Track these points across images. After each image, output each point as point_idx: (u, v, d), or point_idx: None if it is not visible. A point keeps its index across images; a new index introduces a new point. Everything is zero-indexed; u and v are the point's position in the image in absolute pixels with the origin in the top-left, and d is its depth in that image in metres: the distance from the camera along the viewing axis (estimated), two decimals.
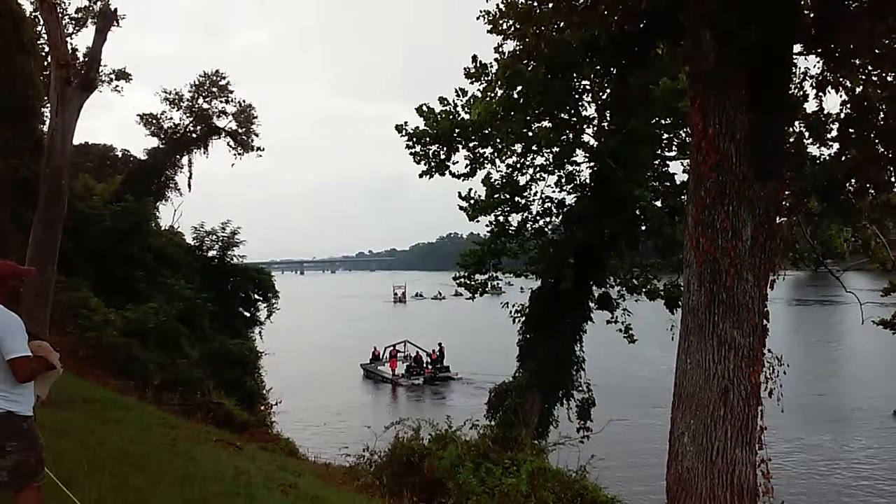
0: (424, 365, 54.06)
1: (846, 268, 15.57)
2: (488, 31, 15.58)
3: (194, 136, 37.44)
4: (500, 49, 17.55)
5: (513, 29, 14.31)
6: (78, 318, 21.17)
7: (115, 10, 18.46)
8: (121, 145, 62.58)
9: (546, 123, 19.24)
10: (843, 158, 7.65)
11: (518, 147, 19.76)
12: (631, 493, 19.72)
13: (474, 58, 18.53)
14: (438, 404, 45.65)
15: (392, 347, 56.61)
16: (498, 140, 19.39)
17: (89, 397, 14.36)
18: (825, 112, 7.80)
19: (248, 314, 31.79)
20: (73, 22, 26.05)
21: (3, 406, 5.05)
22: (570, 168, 20.52)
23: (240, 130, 37.65)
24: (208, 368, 23.58)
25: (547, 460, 16.29)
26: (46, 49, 21.25)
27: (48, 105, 19.16)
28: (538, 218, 21.18)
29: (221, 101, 37.32)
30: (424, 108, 19.76)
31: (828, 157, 8.05)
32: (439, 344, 55.91)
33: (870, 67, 7.10)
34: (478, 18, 15.87)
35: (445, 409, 39.75)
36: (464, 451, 15.03)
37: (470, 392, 45.98)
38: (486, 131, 19.16)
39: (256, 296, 32.02)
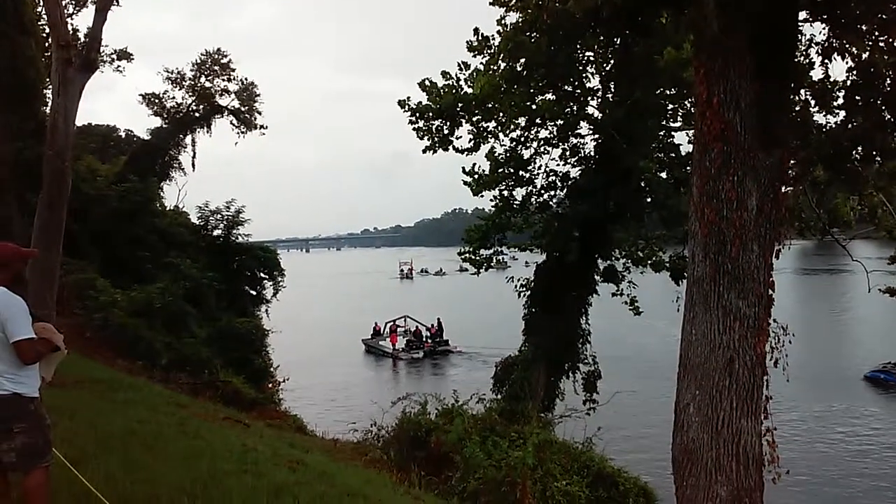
0: (424, 339, 55.19)
1: (852, 236, 15.52)
2: (490, 3, 15.44)
3: (197, 115, 37.29)
4: (503, 21, 17.40)
5: (515, 0, 14.15)
6: (85, 299, 21.26)
7: None
8: (124, 126, 62.58)
9: (550, 96, 19.15)
10: (850, 126, 7.55)
11: (522, 120, 19.68)
12: (637, 463, 19.79)
13: (476, 30, 18.40)
14: (438, 377, 46.60)
15: (392, 322, 57.59)
16: (501, 113, 19.29)
17: (97, 378, 14.45)
18: (831, 79, 7.71)
19: (254, 293, 31.81)
20: (74, 2, 25.92)
21: (10, 388, 5.08)
22: (575, 141, 20.48)
23: (242, 109, 37.48)
24: (215, 347, 23.68)
25: (553, 433, 16.42)
26: (47, 30, 21.14)
27: (50, 87, 19.09)
28: (543, 192, 21.16)
29: (224, 80, 37.13)
30: (427, 82, 19.61)
31: (834, 125, 7.95)
32: (438, 319, 56.78)
33: (876, 33, 6.99)
34: None
35: (445, 381, 41.72)
36: (470, 424, 15.13)
37: (469, 364, 47.50)
38: (490, 105, 19.05)
39: (262, 274, 32.00)
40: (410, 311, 60.43)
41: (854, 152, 7.74)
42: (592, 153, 20.53)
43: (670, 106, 19.23)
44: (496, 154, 20.43)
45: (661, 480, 13.30)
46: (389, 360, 53.60)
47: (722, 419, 6.44)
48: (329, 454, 14.42)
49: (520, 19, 15.88)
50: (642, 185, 20.15)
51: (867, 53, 7.12)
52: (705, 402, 6.52)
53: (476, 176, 20.77)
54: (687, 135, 18.87)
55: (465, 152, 20.27)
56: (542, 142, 20.42)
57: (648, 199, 20.67)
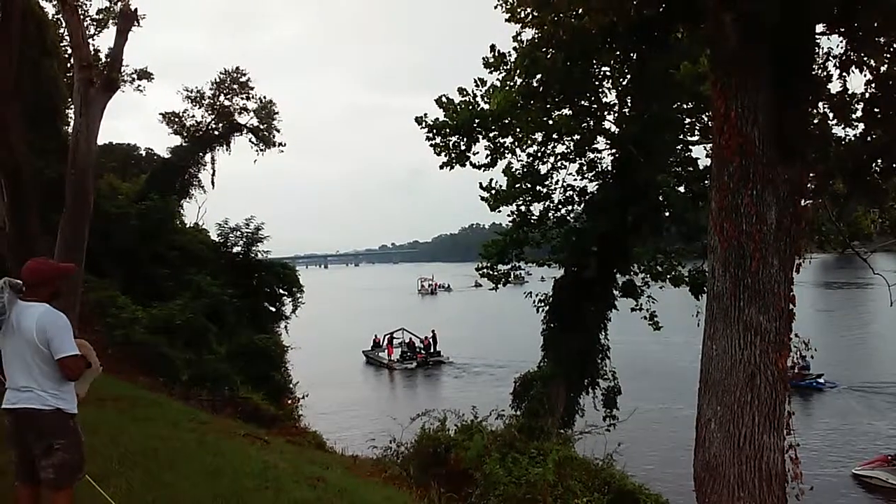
0: (417, 350, 58.08)
1: (874, 249, 15.33)
2: (506, 20, 15.51)
3: (216, 133, 37.68)
4: (519, 37, 17.47)
5: (531, 17, 14.22)
6: (106, 316, 21.41)
7: (136, 10, 18.61)
8: (145, 144, 63.05)
9: (566, 111, 19.15)
10: (869, 139, 7.52)
11: (538, 136, 19.71)
12: (658, 480, 19.64)
13: (492, 47, 18.46)
14: (429, 385, 50.19)
15: (390, 334, 60.51)
16: (518, 129, 19.33)
17: (119, 395, 14.52)
18: (849, 92, 7.67)
19: (273, 309, 31.93)
20: (95, 23, 26.31)
21: (53, 403, 5.16)
22: (592, 155, 20.45)
23: (261, 126, 37.86)
24: (235, 364, 23.74)
25: (573, 449, 16.30)
26: (69, 51, 21.48)
27: (72, 106, 19.38)
28: (560, 206, 21.12)
29: (242, 98, 37.56)
30: (444, 99, 19.71)
31: (853, 138, 7.92)
32: (433, 331, 59.67)
33: (895, 46, 6.98)
34: (496, 7, 15.81)
35: (436, 389, 46.80)
36: (490, 441, 15.06)
37: (459, 374, 51.49)
38: (506, 121, 19.09)
39: (281, 291, 32.13)
40: (436, 328, 61.60)
41: (874, 165, 7.69)
42: (610, 168, 20.48)
43: (687, 120, 19.17)
44: (513, 169, 20.46)
45: (683, 497, 13.17)
46: (386, 370, 56.68)
47: (744, 435, 6.39)
48: (349, 470, 14.41)
49: (536, 35, 15.95)
50: (660, 199, 20.06)
51: (885, 66, 7.10)
52: (727, 418, 6.48)
53: (493, 191, 20.81)
54: (705, 148, 18.81)
55: (482, 168, 20.30)
56: (559, 157, 20.42)
57: (667, 214, 20.57)
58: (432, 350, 57.87)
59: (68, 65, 23.08)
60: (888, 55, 7.02)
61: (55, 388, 5.16)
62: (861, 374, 41.30)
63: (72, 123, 18.04)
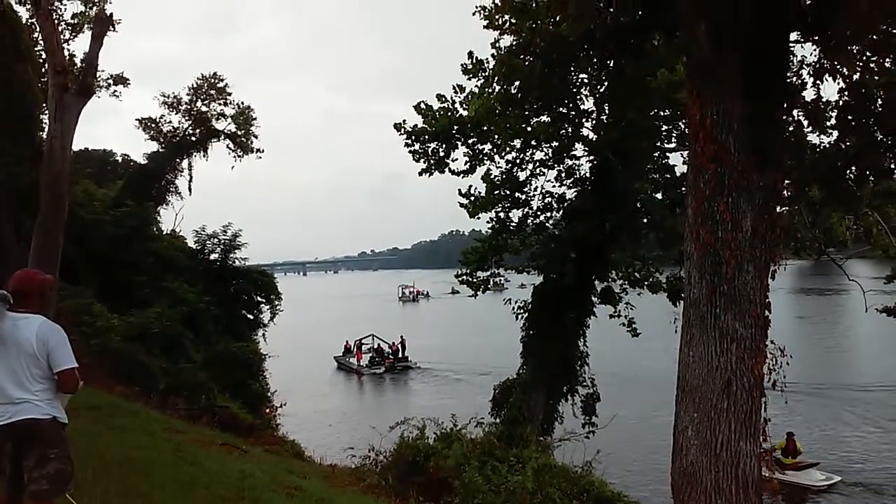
0: (385, 356, 59.45)
1: (848, 256, 15.55)
2: (485, 27, 15.53)
3: (193, 139, 37.32)
4: (497, 44, 17.51)
5: (509, 24, 14.26)
6: (81, 324, 21.14)
7: (111, 14, 18.47)
8: (121, 150, 62.41)
9: (544, 118, 19.23)
10: (843, 146, 7.61)
11: (517, 142, 19.76)
12: (637, 487, 19.68)
13: (471, 54, 18.51)
14: (405, 392, 51.16)
15: (359, 340, 61.79)
16: (496, 136, 19.37)
17: (94, 404, 14.32)
18: (823, 100, 7.76)
19: (251, 317, 31.73)
20: (70, 28, 26.07)
21: (50, 412, 5.11)
22: (570, 162, 20.54)
23: (239, 132, 37.55)
24: (213, 372, 23.56)
25: (552, 457, 16.27)
26: (43, 56, 21.24)
27: (47, 112, 19.15)
28: (539, 213, 21.17)
29: (220, 104, 37.22)
30: (422, 105, 19.72)
31: (827, 145, 8.01)
32: (401, 336, 61.25)
33: (867, 54, 7.06)
34: (474, 14, 15.84)
35: (411, 396, 48.15)
36: (469, 449, 15.02)
37: (438, 381, 52.16)
38: (485, 127, 19.13)
39: (259, 298, 31.94)
40: (418, 335, 62.25)
41: (848, 172, 7.79)
42: (588, 174, 20.57)
43: (664, 127, 19.30)
44: (492, 176, 20.48)
45: None
46: (355, 374, 58.08)
47: (720, 442, 6.41)
48: (327, 480, 14.31)
49: (514, 42, 15.99)
50: (638, 206, 20.19)
51: (858, 74, 7.19)
52: (704, 424, 6.49)
53: (472, 198, 20.80)
54: (682, 155, 18.95)
55: (461, 174, 20.32)
56: (537, 163, 20.47)
57: (644, 220, 20.70)
58: (400, 355, 59.23)
59: (43, 70, 22.82)
60: (860, 63, 7.11)
61: (51, 399, 5.13)
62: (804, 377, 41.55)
63: (46, 129, 17.80)
